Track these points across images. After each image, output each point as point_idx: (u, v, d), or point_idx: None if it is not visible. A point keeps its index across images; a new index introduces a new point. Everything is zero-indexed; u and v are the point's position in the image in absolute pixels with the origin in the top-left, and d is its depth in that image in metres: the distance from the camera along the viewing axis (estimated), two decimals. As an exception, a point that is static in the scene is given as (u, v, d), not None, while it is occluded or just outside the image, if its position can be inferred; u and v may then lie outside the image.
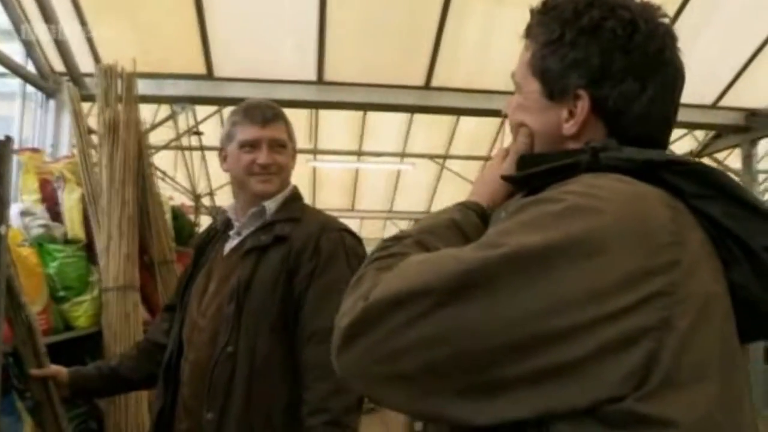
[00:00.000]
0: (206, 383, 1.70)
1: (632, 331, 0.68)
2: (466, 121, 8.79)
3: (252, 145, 1.85)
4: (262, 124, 1.85)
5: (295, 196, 1.94)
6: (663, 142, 0.92)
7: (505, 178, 0.94)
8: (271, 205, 1.86)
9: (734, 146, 6.09)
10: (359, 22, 4.21)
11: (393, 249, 0.84)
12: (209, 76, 4.30)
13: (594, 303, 0.68)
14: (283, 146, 1.89)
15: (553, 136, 0.91)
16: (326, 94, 4.50)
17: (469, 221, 0.93)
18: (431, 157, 9.91)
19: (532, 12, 0.95)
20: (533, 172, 0.86)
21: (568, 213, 0.72)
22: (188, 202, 7.36)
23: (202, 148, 7.77)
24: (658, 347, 0.68)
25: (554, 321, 0.67)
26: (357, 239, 1.87)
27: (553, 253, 0.69)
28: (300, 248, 1.76)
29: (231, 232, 1.92)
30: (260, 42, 4.20)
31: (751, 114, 5.25)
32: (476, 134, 9.44)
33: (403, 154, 9.80)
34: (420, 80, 4.54)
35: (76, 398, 2.11)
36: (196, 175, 8.32)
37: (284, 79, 4.36)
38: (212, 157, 8.67)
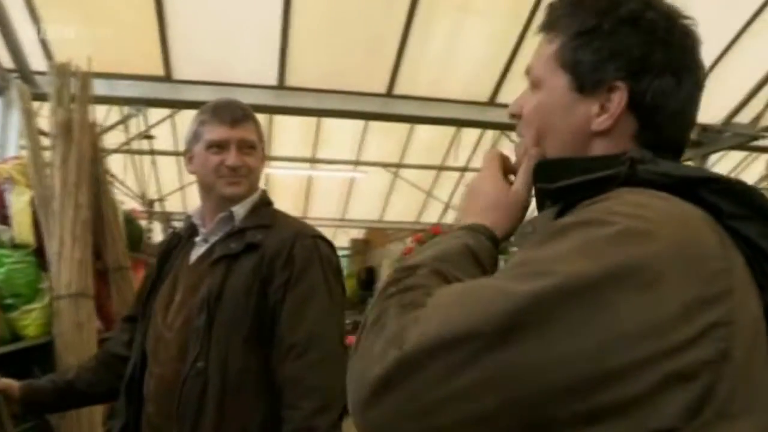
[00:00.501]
0: (175, 400, 1.60)
1: (692, 365, 0.64)
2: (420, 130, 8.83)
3: (220, 146, 1.76)
4: (231, 124, 1.77)
5: (265, 201, 1.85)
6: (685, 146, 0.89)
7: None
8: (239, 210, 1.78)
9: (686, 161, 6.26)
10: (323, 28, 4.16)
11: (409, 281, 0.77)
12: (167, 78, 4.18)
13: (654, 337, 0.63)
14: (253, 147, 1.80)
15: (578, 133, 0.86)
16: (287, 100, 4.42)
17: (482, 247, 0.87)
18: (385, 165, 9.92)
19: (555, 5, 0.90)
20: (569, 185, 0.81)
21: (621, 238, 0.67)
22: (139, 207, 7.16)
23: (152, 152, 7.58)
24: (715, 380, 0.64)
25: (614, 358, 0.63)
26: (331, 246, 1.80)
27: (610, 283, 0.64)
28: (273, 256, 1.68)
29: (197, 239, 1.83)
30: (221, 44, 4.11)
31: (703, 129, 5.42)
32: (430, 143, 9.49)
33: (356, 162, 9.78)
34: (382, 87, 4.52)
35: (27, 413, 1.98)
36: (147, 180, 8.10)
37: (245, 83, 4.27)
38: (163, 162, 8.49)
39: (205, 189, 1.82)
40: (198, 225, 1.84)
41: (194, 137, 1.81)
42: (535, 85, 0.91)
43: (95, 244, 3.00)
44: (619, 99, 0.83)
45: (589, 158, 0.85)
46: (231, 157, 1.75)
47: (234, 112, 1.79)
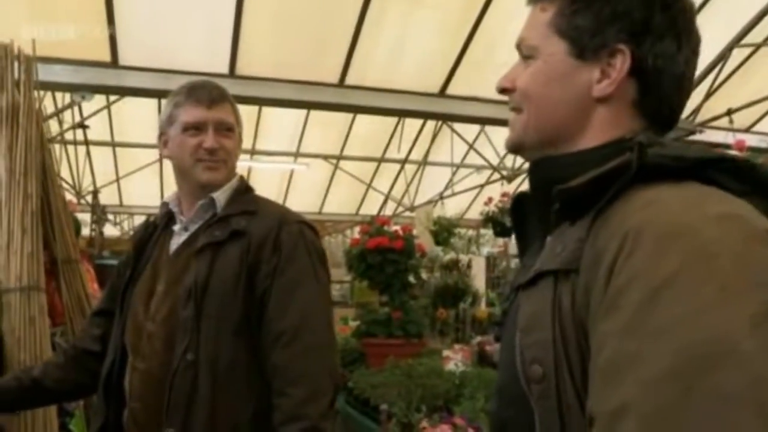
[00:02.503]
0: (164, 396, 1.54)
1: None
2: (361, 122, 8.84)
3: (197, 128, 1.69)
4: (209, 104, 1.70)
5: (245, 187, 1.80)
6: (680, 115, 0.89)
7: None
8: (220, 197, 1.72)
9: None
10: (276, 16, 4.10)
11: None
12: (113, 64, 4.02)
13: None
14: (231, 130, 1.74)
15: (579, 100, 0.84)
16: (238, 88, 4.31)
17: None
18: (325, 157, 9.89)
19: None
20: (581, 184, 0.77)
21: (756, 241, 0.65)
22: (73, 199, 6.89)
23: (88, 142, 7.30)
24: None
25: None
26: (315, 231, 1.77)
27: None
28: (259, 243, 1.63)
29: (176, 228, 1.76)
30: (171, 31, 3.99)
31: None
32: (370, 136, 9.52)
33: (296, 154, 9.71)
34: (334, 78, 4.49)
35: None
36: (82, 172, 7.80)
37: (195, 71, 4.14)
38: (97, 153, 8.19)
39: (182, 174, 1.76)
40: (175, 212, 1.78)
41: (168, 120, 1.74)
42: (529, 55, 0.89)
43: (43, 235, 2.87)
44: (621, 62, 0.82)
45: (589, 150, 0.84)
46: (209, 139, 1.69)
47: (211, 93, 1.72)
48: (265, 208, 1.75)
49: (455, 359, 4.16)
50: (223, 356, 1.56)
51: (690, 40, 0.84)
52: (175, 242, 1.74)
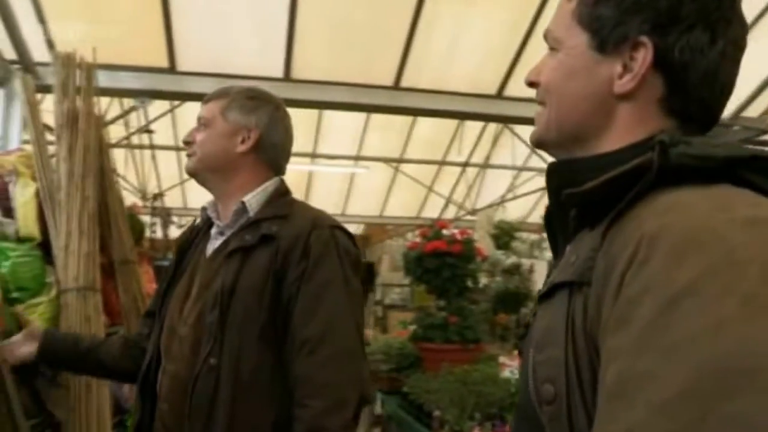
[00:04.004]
0: (187, 399, 1.54)
1: None
2: (421, 124, 8.80)
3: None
4: (203, 104, 1.79)
5: (280, 191, 1.77)
6: (719, 114, 0.81)
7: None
8: (252, 201, 1.70)
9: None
10: (329, 19, 4.12)
11: None
12: (171, 69, 4.11)
13: None
14: (206, 124, 1.74)
15: (600, 97, 0.78)
16: (293, 92, 4.34)
17: None
18: (386, 160, 9.89)
19: None
20: (597, 185, 0.70)
21: None
22: (138, 201, 7.10)
23: (152, 146, 7.52)
24: None
25: None
26: (350, 236, 1.72)
27: None
28: (288, 248, 1.59)
29: (213, 231, 1.77)
30: (227, 36, 4.06)
31: (709, 123, 5.35)
32: (432, 138, 9.47)
33: (357, 157, 9.74)
34: (388, 80, 4.47)
35: (41, 361, 1.89)
36: (146, 175, 8.04)
37: (250, 75, 4.20)
38: (162, 157, 8.43)
39: None
40: (212, 217, 1.78)
41: None
42: (554, 47, 0.84)
43: (101, 236, 2.94)
44: (643, 56, 0.75)
45: (611, 153, 0.77)
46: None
47: (212, 94, 1.78)
48: (299, 212, 1.71)
49: (511, 366, 4.07)
50: (245, 362, 1.54)
51: (729, 31, 0.76)
52: (211, 246, 1.74)
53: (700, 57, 0.75)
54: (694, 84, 0.76)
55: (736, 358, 0.51)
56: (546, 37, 0.86)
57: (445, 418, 3.46)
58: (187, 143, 1.74)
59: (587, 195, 0.71)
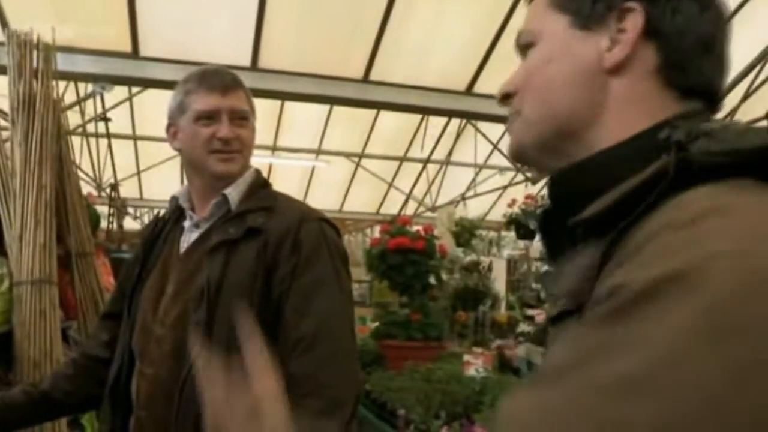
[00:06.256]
0: (173, 404, 1.43)
1: None
2: (383, 119, 8.75)
3: (210, 117, 1.57)
4: (222, 91, 1.57)
5: (261, 182, 1.67)
6: (720, 91, 0.73)
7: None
8: (233, 193, 1.60)
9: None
10: (300, 8, 4.02)
11: None
12: (134, 54, 3.96)
13: None
14: (245, 118, 1.62)
15: (589, 75, 0.70)
16: (259, 82, 4.23)
17: None
18: (347, 155, 9.83)
19: None
20: (600, 212, 0.62)
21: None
22: (93, 192, 6.89)
23: (109, 135, 7.29)
24: None
25: None
26: (336, 230, 1.64)
27: None
28: (277, 242, 1.51)
29: (186, 224, 1.65)
30: (193, 22, 3.92)
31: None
32: (393, 134, 9.45)
33: (318, 151, 9.66)
34: (358, 73, 4.40)
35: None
36: (102, 165, 7.80)
37: (217, 63, 4.08)
38: (118, 146, 8.18)
39: (193, 167, 1.64)
40: (185, 208, 1.68)
41: (179, 109, 1.61)
42: (531, 41, 0.76)
43: (58, 227, 2.81)
44: (633, 22, 0.68)
45: (616, 147, 0.68)
46: (223, 129, 1.57)
47: (224, 79, 1.59)
48: (284, 204, 1.62)
49: (476, 364, 4.04)
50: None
51: (713, 4, 0.71)
52: (186, 240, 1.63)
53: (693, 24, 0.69)
54: (689, 52, 0.69)
55: None
56: (518, 40, 0.79)
57: (411, 417, 3.41)
58: (227, 141, 1.58)
59: (593, 221, 0.63)
